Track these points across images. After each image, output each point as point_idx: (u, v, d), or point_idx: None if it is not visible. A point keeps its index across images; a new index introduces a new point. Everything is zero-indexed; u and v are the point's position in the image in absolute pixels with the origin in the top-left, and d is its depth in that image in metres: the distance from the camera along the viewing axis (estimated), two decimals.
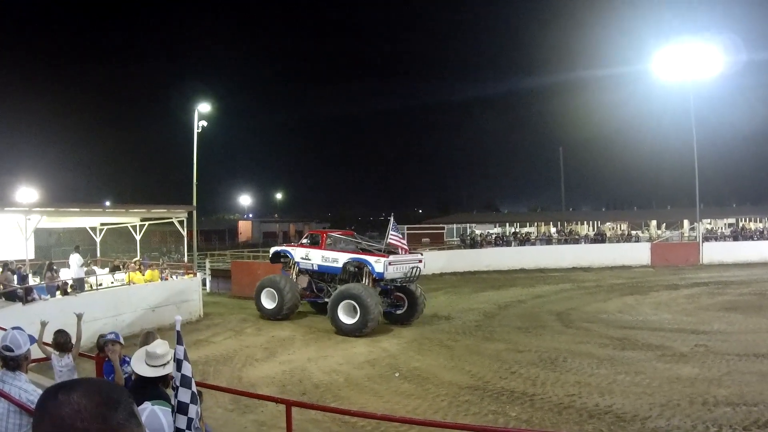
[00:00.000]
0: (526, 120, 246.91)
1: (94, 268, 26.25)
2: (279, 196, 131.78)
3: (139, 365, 5.81)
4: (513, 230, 62.21)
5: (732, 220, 64.60)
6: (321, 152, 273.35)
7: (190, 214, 31.59)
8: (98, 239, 31.08)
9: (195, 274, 28.32)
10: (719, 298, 27.82)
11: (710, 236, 52.73)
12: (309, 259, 25.78)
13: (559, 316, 24.34)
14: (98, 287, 23.62)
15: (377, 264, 23.12)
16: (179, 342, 4.41)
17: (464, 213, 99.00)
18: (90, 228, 30.73)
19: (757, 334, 19.60)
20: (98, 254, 31.03)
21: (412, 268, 23.92)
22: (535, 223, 73.39)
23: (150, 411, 3.77)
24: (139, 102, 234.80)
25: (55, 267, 23.30)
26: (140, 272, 25.57)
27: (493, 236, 54.31)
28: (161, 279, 25.92)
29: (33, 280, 21.54)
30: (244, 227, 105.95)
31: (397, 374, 16.15)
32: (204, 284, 29.98)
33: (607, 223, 69.79)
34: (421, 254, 26.37)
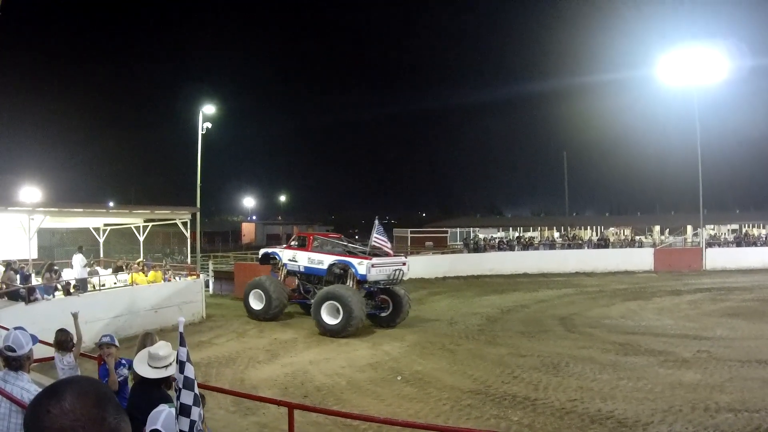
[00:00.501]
0: (530, 124, 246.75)
1: (97, 268, 26.25)
2: (282, 198, 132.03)
3: (142, 366, 5.82)
4: (516, 234, 62.16)
5: (735, 226, 64.40)
6: (325, 155, 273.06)
7: (193, 215, 31.67)
8: (101, 240, 31.10)
9: (198, 276, 28.34)
10: (722, 304, 27.82)
11: (713, 242, 52.71)
12: (296, 261, 26.17)
13: (561, 321, 24.33)
14: (101, 288, 23.63)
15: (360, 266, 23.39)
16: (182, 344, 4.40)
17: (468, 217, 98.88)
18: (93, 228, 30.74)
19: (759, 340, 19.58)
20: (101, 255, 31.03)
21: (395, 270, 24.14)
22: (539, 228, 73.26)
23: (168, 413, 3.78)
24: (144, 103, 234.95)
25: (56, 267, 23.32)
26: (143, 273, 25.59)
27: (497, 240, 54.29)
28: (164, 280, 25.91)
29: (35, 280, 21.54)
30: (248, 229, 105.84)
31: (399, 378, 16.15)
32: (207, 286, 30.02)
33: (611, 228, 69.57)
34: (405, 257, 26.63)
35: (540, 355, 18.25)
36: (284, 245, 27.95)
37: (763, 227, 60.63)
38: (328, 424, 12.04)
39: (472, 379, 15.88)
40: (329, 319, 22.23)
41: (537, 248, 51.05)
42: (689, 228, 59.92)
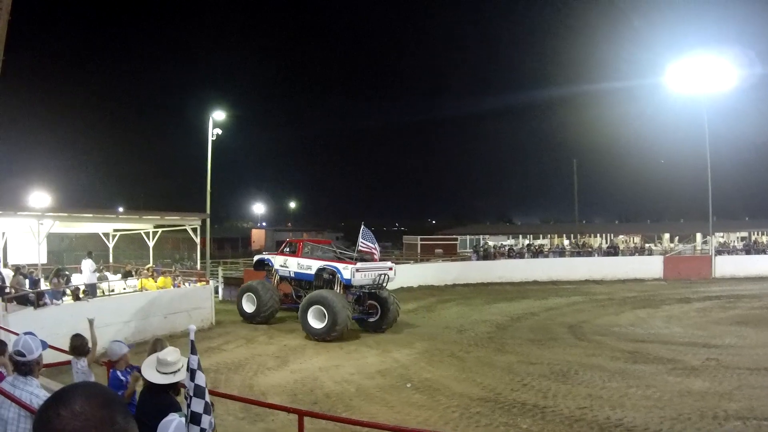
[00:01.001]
0: (540, 132, 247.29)
1: (107, 273, 26.33)
2: (292, 204, 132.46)
3: (150, 372, 5.84)
4: (526, 242, 62.12)
5: (744, 234, 64.35)
6: (335, 162, 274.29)
7: (203, 221, 31.74)
8: (111, 245, 31.16)
9: (207, 282, 28.39)
10: (731, 312, 27.72)
11: (722, 250, 52.48)
12: (287, 267, 26.74)
13: (571, 329, 24.27)
14: (110, 293, 23.68)
15: (345, 270, 23.90)
16: (193, 352, 4.42)
17: (478, 224, 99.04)
18: (103, 234, 30.82)
19: None
20: (111, 260, 31.09)
21: (380, 275, 24.54)
22: (549, 235, 73.24)
23: (178, 422, 3.80)
24: (155, 109, 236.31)
25: (66, 272, 23.40)
26: (153, 279, 25.64)
27: (506, 248, 54.23)
28: (174, 286, 25.98)
29: (44, 285, 21.61)
30: (257, 235, 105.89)
31: (408, 385, 16.12)
32: (216, 292, 30.05)
33: (620, 236, 69.58)
34: (392, 263, 26.84)
35: (549, 362, 18.19)
36: (276, 251, 28.42)
37: None
38: (336, 431, 12.03)
39: (481, 386, 15.84)
40: (315, 323, 22.64)
41: (547, 256, 51.01)
42: (698, 236, 59.82)
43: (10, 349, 6.28)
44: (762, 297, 32.57)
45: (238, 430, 12.38)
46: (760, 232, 64.24)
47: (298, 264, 26.11)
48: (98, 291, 23.42)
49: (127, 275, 26.31)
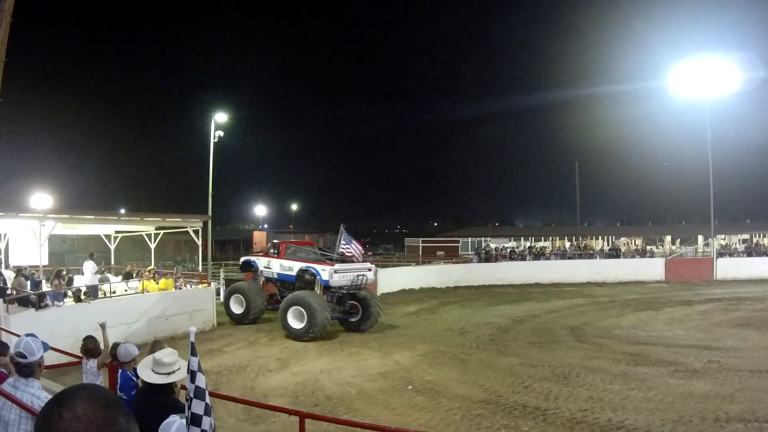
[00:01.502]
0: (541, 135, 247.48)
1: (108, 275, 26.33)
2: (294, 207, 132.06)
3: (145, 371, 5.88)
4: (528, 244, 62.10)
5: (746, 236, 64.23)
6: (337, 165, 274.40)
7: (205, 223, 31.72)
8: (112, 247, 31.11)
9: (209, 284, 28.37)
10: (733, 315, 27.69)
11: (724, 252, 52.43)
12: (270, 268, 27.01)
13: (572, 331, 24.25)
14: (112, 295, 23.69)
15: (323, 272, 24.34)
16: (193, 353, 4.40)
17: (479, 227, 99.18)
18: (104, 235, 30.79)
19: None
20: (112, 262, 31.07)
21: (358, 276, 24.86)
22: (550, 238, 73.21)
23: (179, 424, 3.79)
24: (157, 111, 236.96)
25: (68, 274, 23.40)
26: (154, 281, 25.64)
27: (508, 250, 54.22)
28: (175, 288, 25.97)
29: (46, 287, 21.60)
30: (259, 237, 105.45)
31: (410, 387, 16.11)
32: (218, 294, 30.02)
33: (622, 238, 69.57)
34: (371, 263, 27.33)
35: (551, 365, 18.18)
36: (261, 253, 28.91)
37: None
38: None
39: (482, 389, 15.82)
40: (295, 324, 22.99)
41: (548, 258, 50.92)
42: (700, 238, 59.84)
43: (12, 350, 6.29)
44: (764, 299, 32.52)
45: None
46: (761, 235, 64.20)
47: (281, 265, 26.42)
48: (99, 293, 23.40)
49: (127, 276, 26.29)
